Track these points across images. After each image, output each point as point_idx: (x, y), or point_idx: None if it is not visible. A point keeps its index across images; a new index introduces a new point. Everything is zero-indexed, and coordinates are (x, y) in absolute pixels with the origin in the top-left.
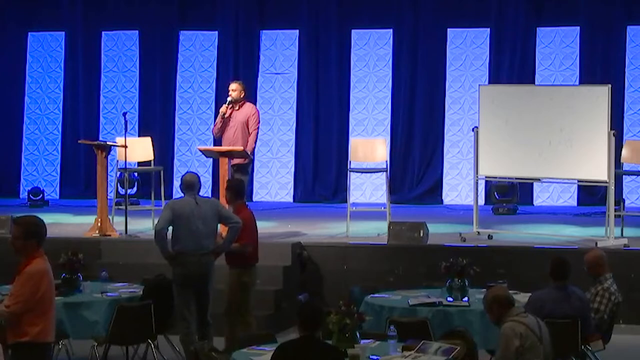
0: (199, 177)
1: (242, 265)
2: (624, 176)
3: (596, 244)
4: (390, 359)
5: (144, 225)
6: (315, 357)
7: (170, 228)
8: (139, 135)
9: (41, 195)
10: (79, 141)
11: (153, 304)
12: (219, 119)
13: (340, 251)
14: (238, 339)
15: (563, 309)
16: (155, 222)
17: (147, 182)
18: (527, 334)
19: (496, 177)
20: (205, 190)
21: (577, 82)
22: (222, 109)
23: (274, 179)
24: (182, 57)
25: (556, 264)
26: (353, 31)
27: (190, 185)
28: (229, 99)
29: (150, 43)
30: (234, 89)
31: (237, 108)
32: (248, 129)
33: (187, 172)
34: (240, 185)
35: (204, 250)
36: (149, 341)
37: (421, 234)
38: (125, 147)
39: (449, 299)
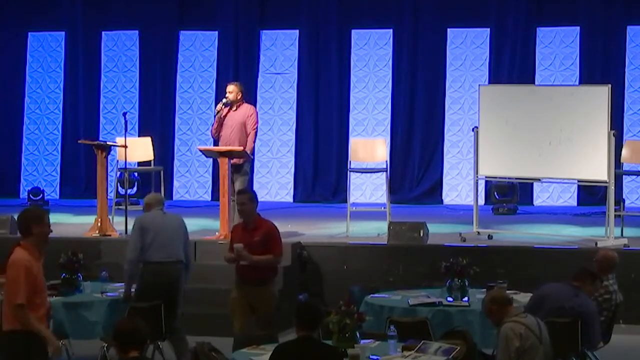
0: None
1: (272, 277)
2: (624, 176)
3: (596, 244)
4: (390, 359)
5: None
6: (314, 358)
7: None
8: (139, 135)
9: (41, 195)
10: (79, 141)
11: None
12: (215, 118)
13: (340, 251)
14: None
15: (571, 305)
16: None
17: (147, 182)
18: (527, 335)
19: (496, 177)
20: (205, 191)
21: (577, 82)
22: (217, 107)
23: (274, 179)
24: (182, 57)
25: (584, 269)
26: (353, 31)
27: (156, 201)
28: (224, 100)
29: (150, 43)
30: (231, 91)
31: (234, 109)
32: (246, 129)
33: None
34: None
35: (173, 259)
36: (158, 342)
37: (421, 234)
38: (125, 147)
39: (449, 299)
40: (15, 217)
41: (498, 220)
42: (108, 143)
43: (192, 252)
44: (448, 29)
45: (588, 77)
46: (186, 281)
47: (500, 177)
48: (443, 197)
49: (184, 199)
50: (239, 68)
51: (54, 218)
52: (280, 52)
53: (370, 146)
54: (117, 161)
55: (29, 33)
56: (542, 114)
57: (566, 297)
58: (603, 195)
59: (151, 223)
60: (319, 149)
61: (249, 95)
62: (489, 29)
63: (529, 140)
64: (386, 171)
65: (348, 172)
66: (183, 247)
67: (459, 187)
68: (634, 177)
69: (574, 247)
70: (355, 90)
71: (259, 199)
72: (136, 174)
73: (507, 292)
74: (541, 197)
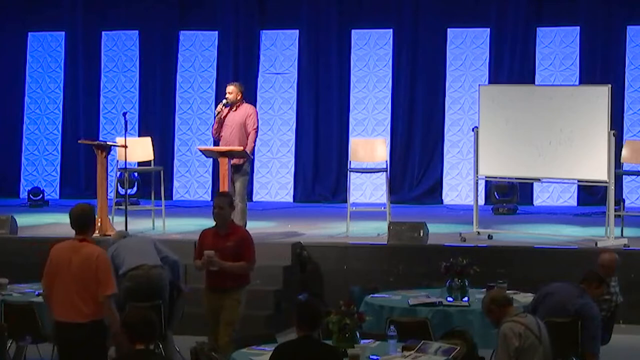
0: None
1: (244, 285)
2: (624, 176)
3: (596, 244)
4: (390, 359)
5: (144, 225)
6: (314, 358)
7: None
8: (139, 135)
9: (41, 195)
10: (79, 141)
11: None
12: (215, 119)
13: (340, 251)
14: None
15: (574, 305)
16: (155, 223)
17: (147, 182)
18: (526, 334)
19: (496, 177)
20: (205, 190)
21: (577, 82)
22: (217, 108)
23: (274, 179)
24: (182, 57)
25: (593, 273)
26: (353, 31)
27: (119, 236)
28: (224, 100)
29: (150, 43)
30: (230, 92)
31: (234, 109)
32: (246, 129)
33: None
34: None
35: (151, 263)
36: (157, 341)
37: (421, 234)
38: (125, 147)
39: (449, 299)
40: (70, 214)
41: (498, 220)
42: (108, 143)
43: (173, 254)
44: (448, 29)
45: (588, 77)
46: (186, 282)
47: (500, 177)
48: (443, 197)
49: (184, 199)
50: (239, 68)
51: (54, 218)
52: (280, 52)
53: (370, 146)
54: (117, 161)
55: (29, 33)
56: (542, 114)
57: (571, 296)
58: (603, 195)
59: (117, 249)
60: (319, 149)
61: (249, 95)
62: (489, 29)
63: (529, 140)
64: (386, 171)
65: (348, 172)
66: (158, 255)
67: (459, 187)
68: (634, 177)
69: (574, 247)
70: (355, 90)
71: (259, 199)
72: (136, 174)
73: (507, 292)
74: (541, 197)
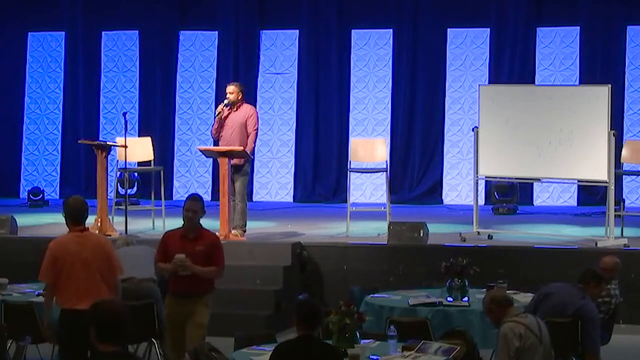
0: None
1: (210, 290)
2: (624, 176)
3: (596, 244)
4: (390, 359)
5: (144, 225)
6: (314, 357)
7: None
8: (139, 135)
9: (41, 195)
10: (79, 141)
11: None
12: (216, 119)
13: (340, 251)
14: None
15: (577, 307)
16: (155, 223)
17: (147, 182)
18: (526, 334)
19: (496, 177)
20: (205, 191)
21: (577, 82)
22: (218, 108)
23: (274, 179)
24: (182, 57)
25: (590, 271)
26: (353, 31)
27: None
28: (225, 100)
29: (150, 43)
30: (231, 92)
31: (235, 109)
32: (246, 129)
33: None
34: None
35: (140, 276)
36: (153, 340)
37: (421, 234)
38: (125, 147)
39: (449, 299)
40: (69, 207)
41: (498, 220)
42: (108, 143)
43: None
44: (448, 29)
45: (588, 77)
46: None
47: (500, 177)
48: (443, 197)
49: (184, 199)
50: (239, 68)
51: (54, 218)
52: (280, 52)
53: (370, 146)
54: (117, 161)
55: (29, 33)
56: (542, 114)
57: (571, 297)
58: (603, 195)
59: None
60: (319, 149)
61: (249, 96)
62: (489, 29)
63: (529, 140)
64: (386, 171)
65: (348, 172)
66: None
67: (459, 187)
68: (634, 177)
69: (574, 247)
70: (355, 90)
71: (259, 199)
72: (136, 174)
73: (507, 292)
74: (541, 197)
